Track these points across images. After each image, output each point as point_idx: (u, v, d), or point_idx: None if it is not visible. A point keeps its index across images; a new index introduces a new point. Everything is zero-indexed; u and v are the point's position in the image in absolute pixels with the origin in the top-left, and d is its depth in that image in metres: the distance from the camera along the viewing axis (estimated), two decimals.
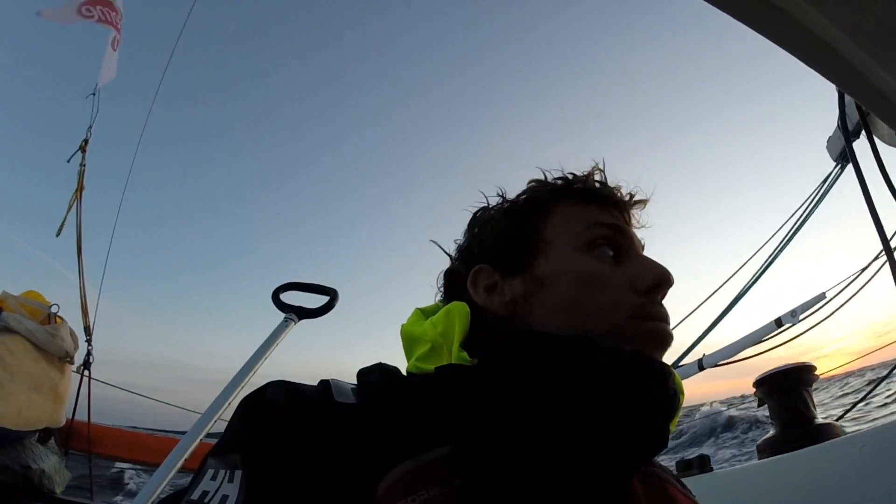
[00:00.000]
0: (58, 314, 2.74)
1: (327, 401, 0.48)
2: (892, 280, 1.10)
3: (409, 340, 0.63)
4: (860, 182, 1.12)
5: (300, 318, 1.99)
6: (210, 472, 0.45)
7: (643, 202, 0.69)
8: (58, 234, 3.32)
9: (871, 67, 0.80)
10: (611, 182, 0.68)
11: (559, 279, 0.60)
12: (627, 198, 0.68)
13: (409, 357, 0.63)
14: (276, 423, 0.45)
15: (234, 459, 0.43)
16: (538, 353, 0.53)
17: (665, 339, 0.58)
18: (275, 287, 2.01)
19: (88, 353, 2.99)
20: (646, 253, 0.67)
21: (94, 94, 3.73)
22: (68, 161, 3.51)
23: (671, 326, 0.60)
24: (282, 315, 1.99)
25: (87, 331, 3.15)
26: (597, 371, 0.51)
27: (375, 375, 0.55)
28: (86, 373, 2.94)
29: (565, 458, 0.46)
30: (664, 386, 0.51)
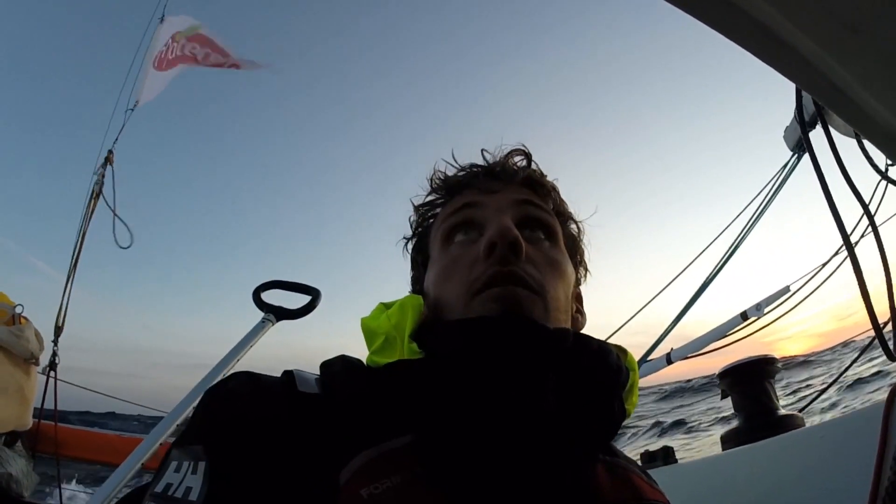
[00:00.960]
0: (22, 315, 2.65)
1: (290, 391, 0.49)
2: (853, 271, 1.11)
3: (368, 333, 0.65)
4: (818, 174, 1.13)
5: (278, 319, 1.94)
6: (174, 463, 0.45)
7: (515, 153, 0.69)
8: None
9: (825, 62, 0.80)
10: (495, 148, 0.70)
11: (430, 285, 0.63)
12: (497, 161, 0.68)
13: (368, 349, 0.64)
14: (239, 415, 0.46)
15: (198, 451, 0.44)
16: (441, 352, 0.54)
17: (503, 301, 0.53)
18: (254, 282, 1.98)
19: (55, 355, 2.91)
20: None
21: (131, 110, 3.87)
22: (94, 174, 3.62)
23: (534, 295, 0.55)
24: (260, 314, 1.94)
25: (57, 331, 3.08)
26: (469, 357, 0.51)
27: (338, 367, 0.56)
28: (52, 374, 2.86)
29: (520, 444, 0.47)
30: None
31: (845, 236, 1.15)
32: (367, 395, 0.50)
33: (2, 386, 2.41)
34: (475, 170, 0.68)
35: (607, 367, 0.55)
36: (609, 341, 0.62)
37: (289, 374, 0.52)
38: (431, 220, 0.70)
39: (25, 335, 2.54)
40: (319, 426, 0.46)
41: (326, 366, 0.56)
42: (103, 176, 3.57)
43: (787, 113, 1.98)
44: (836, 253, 1.92)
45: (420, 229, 0.71)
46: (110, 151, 3.67)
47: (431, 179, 0.71)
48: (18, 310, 2.62)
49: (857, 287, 1.07)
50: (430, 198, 0.71)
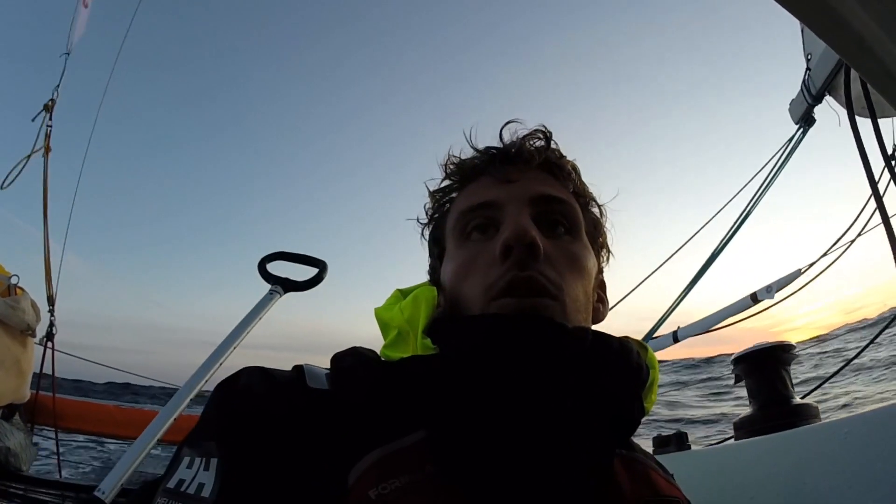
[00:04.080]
0: (18, 285, 2.61)
1: (300, 387, 0.49)
2: (887, 239, 1.08)
3: (381, 325, 0.64)
4: (850, 118, 1.11)
5: (286, 291, 1.95)
6: (186, 459, 0.45)
7: (534, 135, 0.65)
8: (2, 187, 3.19)
9: (881, 42, 0.76)
10: (512, 128, 0.66)
11: (446, 281, 0.61)
12: (513, 142, 0.65)
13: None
14: (251, 411, 0.46)
15: (210, 447, 0.44)
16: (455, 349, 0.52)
17: (520, 311, 0.52)
18: (261, 255, 1.97)
19: (51, 325, 2.88)
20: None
21: (67, 54, 3.63)
22: (32, 120, 3.40)
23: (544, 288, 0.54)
24: (267, 286, 1.94)
25: (50, 301, 3.04)
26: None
27: (349, 361, 0.54)
28: (49, 345, 2.83)
29: (535, 445, 0.46)
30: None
31: (875, 188, 1.13)
32: (377, 391, 0.49)
33: None
34: (491, 152, 0.66)
35: (628, 366, 0.54)
36: (628, 336, 0.60)
37: (298, 369, 0.51)
38: (447, 206, 0.67)
39: (21, 306, 2.50)
40: (328, 424, 0.46)
41: (337, 360, 0.55)
42: (50, 128, 3.35)
43: (790, 87, 1.96)
44: (847, 230, 1.91)
45: (436, 215, 0.69)
46: (52, 100, 3.42)
47: (445, 165, 0.68)
48: (14, 280, 2.57)
49: (889, 243, 1.05)
50: (444, 183, 0.69)
